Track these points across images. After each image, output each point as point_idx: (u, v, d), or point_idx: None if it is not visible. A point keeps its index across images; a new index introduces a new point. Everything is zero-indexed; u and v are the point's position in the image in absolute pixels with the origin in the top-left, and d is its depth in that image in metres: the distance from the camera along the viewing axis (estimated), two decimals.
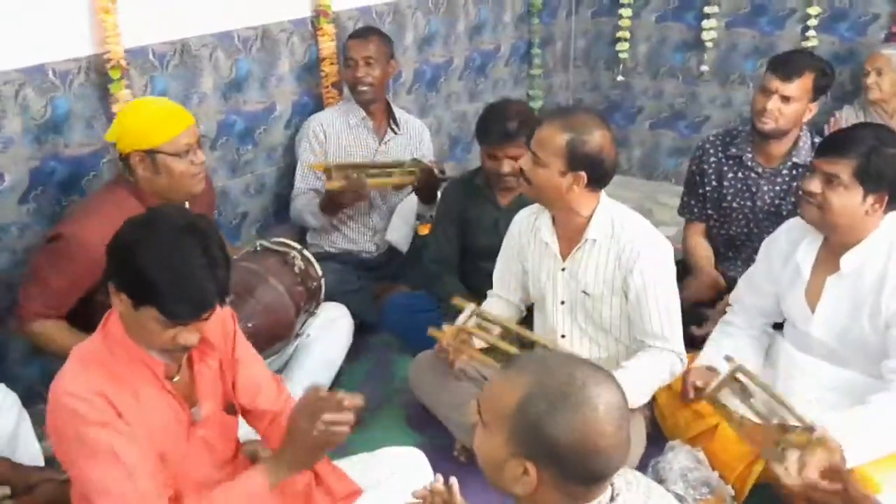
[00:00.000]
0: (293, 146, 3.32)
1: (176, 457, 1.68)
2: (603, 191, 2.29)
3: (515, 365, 1.31)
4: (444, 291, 2.85)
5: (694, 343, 2.51)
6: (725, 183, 2.92)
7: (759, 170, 2.86)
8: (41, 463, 2.15)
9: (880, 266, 2.13)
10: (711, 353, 2.40)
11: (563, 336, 2.40)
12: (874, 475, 1.99)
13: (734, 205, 2.93)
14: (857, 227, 2.13)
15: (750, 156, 2.87)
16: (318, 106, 3.40)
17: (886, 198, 2.09)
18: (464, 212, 2.92)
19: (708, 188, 2.97)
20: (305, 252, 2.69)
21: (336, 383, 2.81)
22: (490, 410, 1.27)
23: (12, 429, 2.13)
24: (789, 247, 2.33)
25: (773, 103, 2.70)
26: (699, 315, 2.74)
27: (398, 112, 3.34)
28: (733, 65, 4.32)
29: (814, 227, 2.22)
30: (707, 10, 4.24)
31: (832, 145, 2.15)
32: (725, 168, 2.92)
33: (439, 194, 3.11)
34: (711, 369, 2.33)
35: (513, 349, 2.29)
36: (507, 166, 2.74)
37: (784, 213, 2.80)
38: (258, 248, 2.66)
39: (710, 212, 3.00)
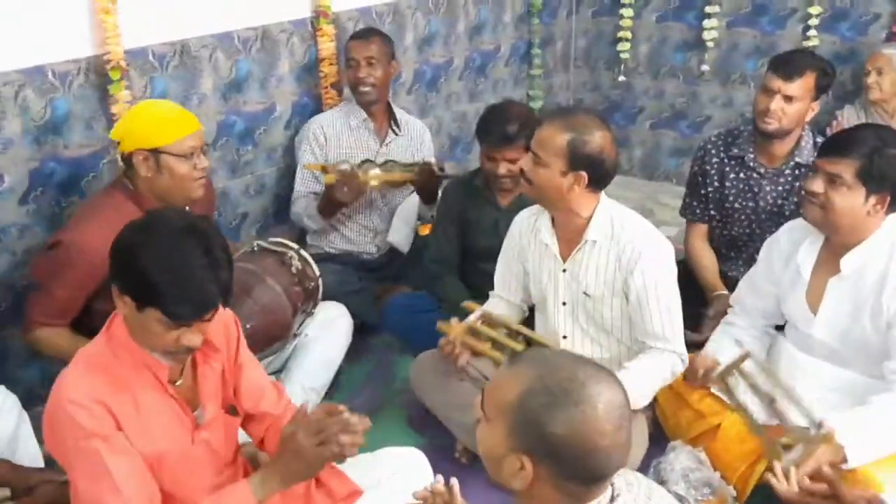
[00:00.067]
0: (293, 147, 3.32)
1: (179, 461, 1.68)
2: (603, 192, 2.29)
3: (520, 360, 1.32)
4: (445, 292, 2.86)
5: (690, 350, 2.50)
6: (727, 183, 2.92)
7: (762, 170, 2.86)
8: (41, 464, 2.15)
9: (882, 266, 2.13)
10: (714, 351, 2.40)
11: (564, 337, 2.40)
12: (876, 474, 1.99)
13: (736, 205, 2.92)
14: (859, 228, 2.13)
15: (752, 156, 2.86)
16: (318, 107, 3.39)
17: (888, 199, 2.09)
18: (464, 212, 2.92)
19: (710, 189, 2.96)
20: (303, 252, 2.68)
21: (336, 384, 2.82)
22: (492, 403, 1.28)
23: (12, 430, 2.14)
24: (790, 248, 2.32)
25: (776, 103, 2.70)
26: (697, 316, 2.73)
27: (399, 113, 3.34)
28: (734, 64, 4.31)
29: (815, 228, 2.22)
30: (708, 9, 4.23)
31: (835, 145, 2.15)
32: (727, 169, 2.92)
33: (440, 193, 3.11)
34: (716, 362, 2.33)
35: (519, 347, 2.29)
36: (503, 168, 2.73)
37: (786, 213, 2.79)
38: (255, 249, 2.66)
39: (712, 212, 2.99)
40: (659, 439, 2.41)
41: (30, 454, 2.15)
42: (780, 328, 2.48)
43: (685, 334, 2.36)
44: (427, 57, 3.89)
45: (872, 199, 2.08)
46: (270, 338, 2.47)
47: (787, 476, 1.88)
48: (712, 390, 2.35)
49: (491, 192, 2.87)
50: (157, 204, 2.24)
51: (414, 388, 2.63)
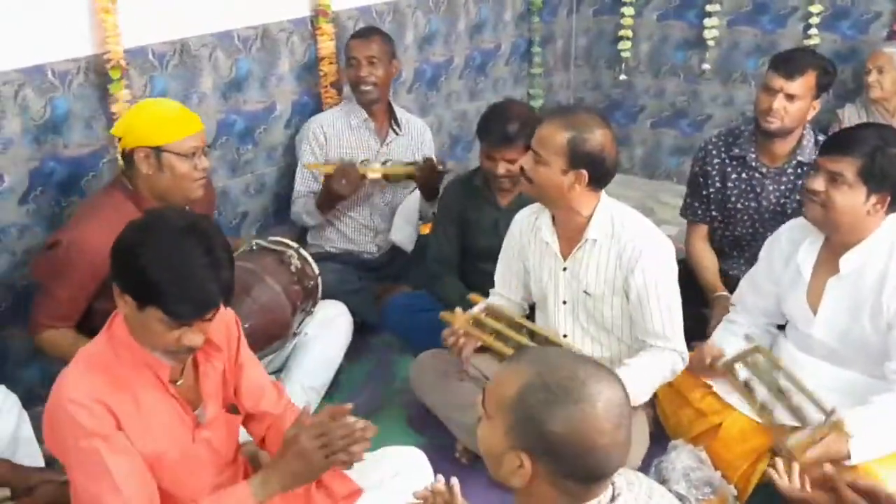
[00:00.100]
0: (293, 146, 3.31)
1: (179, 460, 1.68)
2: (603, 190, 2.28)
3: (520, 357, 1.33)
4: (445, 292, 2.85)
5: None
6: (729, 184, 2.91)
7: (764, 170, 2.85)
8: (41, 464, 2.15)
9: (881, 266, 2.13)
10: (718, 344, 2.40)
11: (564, 335, 2.40)
12: (878, 471, 1.99)
13: (738, 205, 2.91)
14: (859, 227, 2.13)
15: (753, 156, 2.86)
16: (318, 106, 3.39)
17: (888, 198, 2.09)
18: (464, 212, 2.92)
19: (711, 189, 2.95)
20: (302, 251, 2.68)
21: (336, 383, 2.81)
22: (492, 401, 1.28)
23: (12, 430, 2.14)
24: (790, 247, 2.32)
25: (779, 102, 2.69)
26: (698, 316, 2.73)
27: (400, 112, 3.33)
28: (735, 63, 4.31)
29: (816, 227, 2.22)
30: (709, 8, 4.23)
31: (837, 144, 2.15)
32: (729, 169, 2.91)
33: (441, 190, 3.10)
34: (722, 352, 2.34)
35: (524, 339, 2.29)
36: (502, 168, 2.73)
37: (789, 211, 2.79)
38: (254, 248, 2.66)
39: (714, 213, 2.98)
40: (660, 438, 2.41)
41: (30, 454, 2.15)
42: (781, 328, 2.48)
43: (694, 344, 2.37)
44: (427, 56, 3.88)
45: (873, 199, 2.08)
46: (270, 337, 2.47)
47: (788, 472, 1.88)
48: (713, 388, 2.35)
49: (490, 191, 2.86)
50: (156, 203, 2.25)
51: (414, 388, 2.63)
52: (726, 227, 2.99)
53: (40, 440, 2.16)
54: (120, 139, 2.30)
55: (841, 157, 2.08)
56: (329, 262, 3.11)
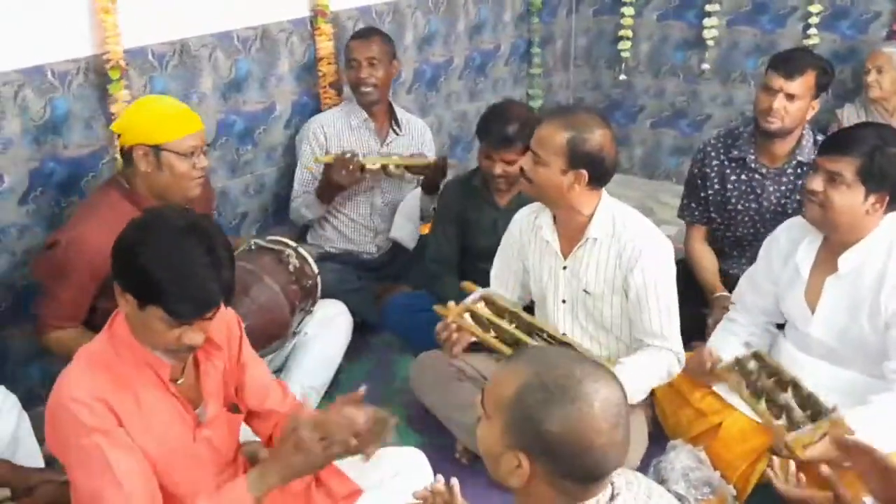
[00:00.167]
0: (293, 146, 3.31)
1: (180, 459, 1.68)
2: (604, 189, 2.28)
3: (519, 357, 1.33)
4: (445, 291, 2.84)
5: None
6: (729, 185, 2.91)
7: (764, 170, 2.85)
8: (41, 465, 2.15)
9: (880, 265, 2.13)
10: (716, 347, 2.39)
11: (563, 334, 2.39)
12: None
13: (739, 206, 2.91)
14: (858, 227, 2.13)
15: (753, 157, 2.86)
16: (318, 106, 3.39)
17: (887, 198, 2.09)
18: (463, 212, 2.92)
19: (710, 191, 2.95)
20: (301, 250, 2.68)
21: (336, 382, 2.81)
22: (491, 400, 1.28)
23: (12, 431, 2.14)
24: (789, 246, 2.32)
25: (779, 102, 2.69)
26: (697, 317, 2.73)
27: (400, 113, 3.33)
28: (734, 63, 4.31)
29: (814, 227, 2.22)
30: (708, 8, 4.23)
31: (835, 144, 2.15)
32: (728, 171, 2.91)
33: (441, 185, 3.11)
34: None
35: (519, 333, 2.28)
36: (499, 168, 2.73)
37: (789, 211, 2.78)
38: (253, 247, 2.66)
39: (713, 215, 2.98)
40: (659, 438, 2.41)
41: (30, 454, 2.15)
42: (780, 327, 2.48)
43: (693, 344, 2.37)
44: (427, 56, 3.89)
45: (872, 198, 2.08)
46: (269, 336, 2.47)
47: (786, 472, 1.89)
48: (713, 388, 2.35)
49: (489, 191, 2.86)
50: (154, 201, 2.25)
51: (414, 388, 2.63)
52: (727, 228, 2.99)
53: (40, 440, 2.16)
54: (119, 136, 2.30)
55: (839, 157, 2.08)
56: (328, 261, 3.11)
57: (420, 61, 3.85)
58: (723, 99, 4.41)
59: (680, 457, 2.19)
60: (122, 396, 1.60)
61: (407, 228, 3.33)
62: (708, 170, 2.94)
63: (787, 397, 2.13)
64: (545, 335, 2.26)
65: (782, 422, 2.11)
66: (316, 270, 2.69)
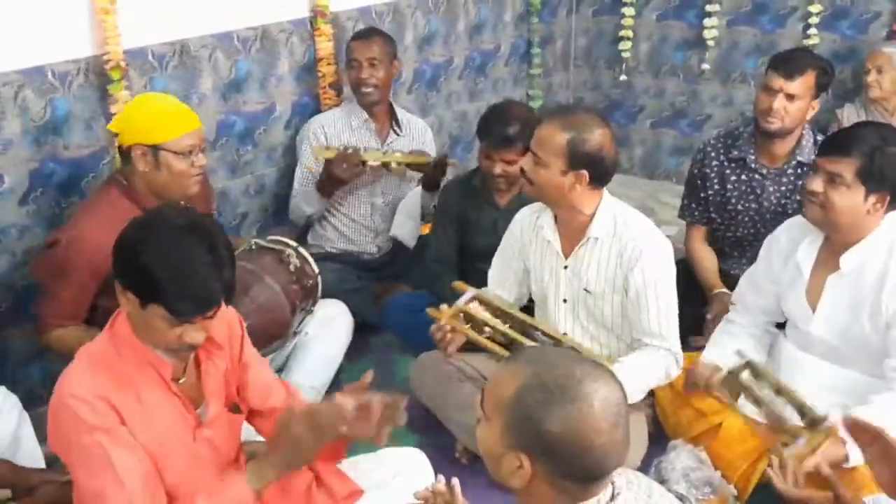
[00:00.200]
0: (293, 146, 3.31)
1: (181, 458, 1.68)
2: (605, 189, 2.29)
3: (518, 357, 1.33)
4: (445, 291, 2.85)
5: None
6: (729, 186, 2.91)
7: (764, 171, 2.85)
8: (42, 465, 2.15)
9: (881, 265, 2.13)
10: (715, 353, 2.39)
11: (564, 334, 2.39)
12: None
13: (739, 207, 2.91)
14: (859, 227, 2.13)
15: (753, 157, 2.86)
16: (318, 106, 3.39)
17: (888, 198, 2.09)
18: (463, 212, 2.92)
19: (710, 192, 2.95)
20: (301, 250, 2.68)
21: (336, 382, 2.81)
22: (491, 401, 1.28)
23: (13, 431, 2.13)
24: (790, 245, 2.32)
25: (779, 102, 2.69)
26: (697, 316, 2.73)
27: (401, 113, 3.33)
28: (734, 63, 4.31)
29: (815, 227, 2.22)
30: (708, 8, 4.23)
31: (835, 144, 2.15)
32: (728, 171, 2.91)
33: (442, 183, 3.10)
34: (717, 368, 2.32)
35: (513, 333, 2.27)
36: (499, 168, 2.74)
37: (790, 211, 2.78)
38: (253, 247, 2.66)
39: (713, 215, 2.98)
40: (659, 438, 2.41)
41: (31, 455, 2.15)
42: (780, 326, 2.48)
43: (691, 340, 2.36)
44: (427, 56, 3.89)
45: (872, 198, 2.08)
46: (269, 336, 2.47)
47: (785, 471, 1.88)
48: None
49: (489, 192, 2.87)
50: (153, 199, 2.25)
51: (414, 388, 2.63)
52: (727, 228, 2.99)
53: (41, 440, 2.17)
54: (117, 135, 2.30)
55: (839, 157, 2.08)
56: (329, 261, 3.11)
57: (420, 61, 3.85)
58: (723, 99, 4.41)
59: (681, 457, 2.19)
60: (123, 395, 1.60)
61: (407, 226, 3.33)
62: (708, 170, 2.94)
63: (783, 406, 2.12)
64: (539, 333, 2.25)
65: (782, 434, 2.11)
66: (316, 270, 2.69)
